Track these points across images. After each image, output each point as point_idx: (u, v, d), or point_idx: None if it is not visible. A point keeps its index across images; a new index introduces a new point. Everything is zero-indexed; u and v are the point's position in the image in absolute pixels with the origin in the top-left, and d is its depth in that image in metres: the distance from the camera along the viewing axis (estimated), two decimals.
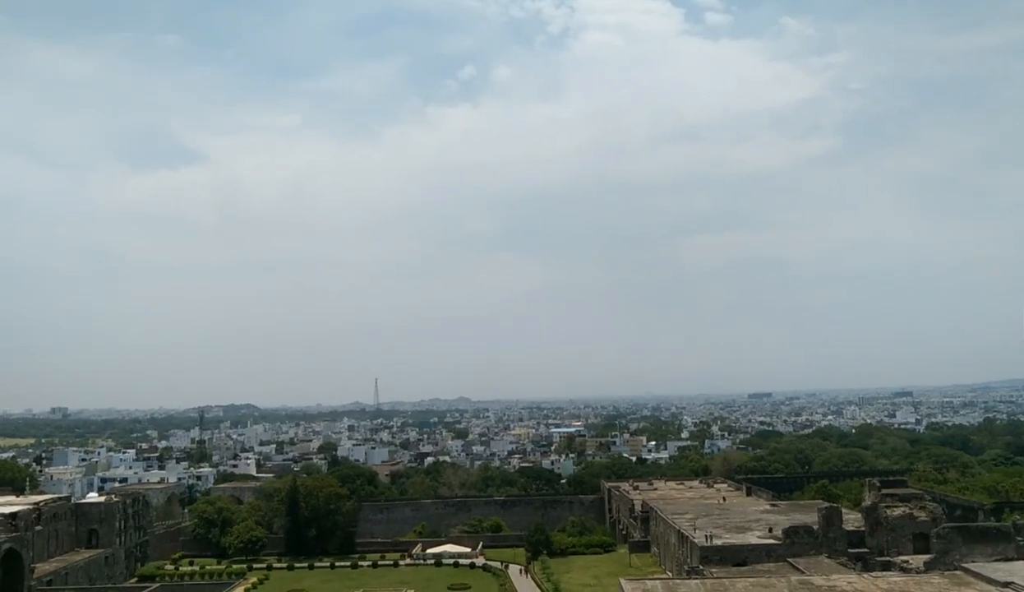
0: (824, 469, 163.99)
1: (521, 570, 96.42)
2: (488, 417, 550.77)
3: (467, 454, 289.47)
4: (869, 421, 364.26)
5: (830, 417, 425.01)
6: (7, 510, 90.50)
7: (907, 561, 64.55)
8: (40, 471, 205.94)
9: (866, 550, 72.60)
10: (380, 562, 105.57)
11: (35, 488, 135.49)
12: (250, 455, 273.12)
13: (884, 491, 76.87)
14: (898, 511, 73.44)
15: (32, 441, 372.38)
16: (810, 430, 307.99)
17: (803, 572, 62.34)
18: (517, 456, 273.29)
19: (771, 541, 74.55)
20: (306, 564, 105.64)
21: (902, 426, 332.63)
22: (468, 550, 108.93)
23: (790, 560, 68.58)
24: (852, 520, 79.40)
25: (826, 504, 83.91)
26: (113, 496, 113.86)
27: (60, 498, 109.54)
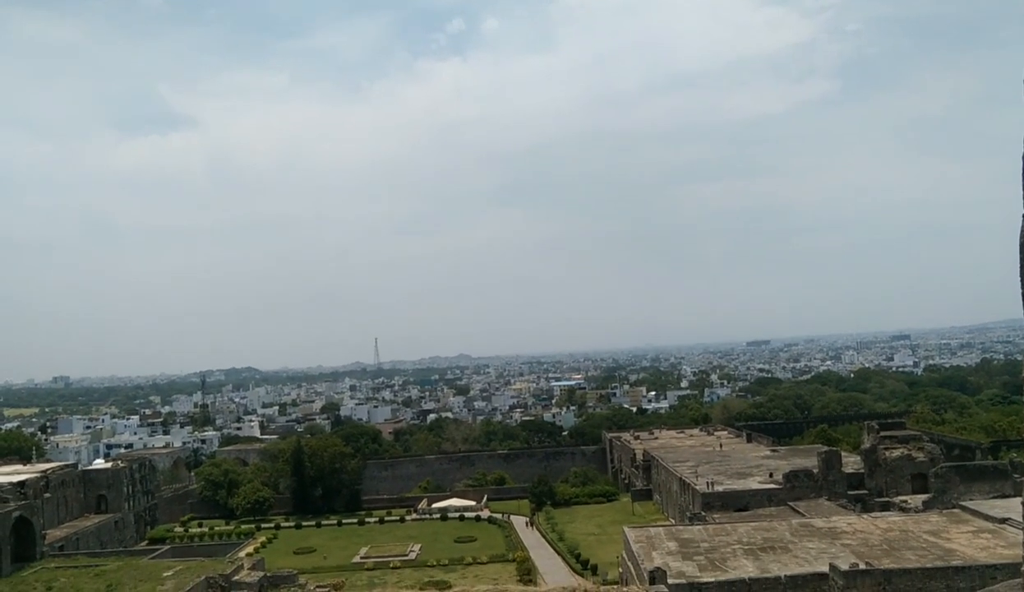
0: (823, 414, 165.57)
1: (527, 522, 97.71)
2: (489, 373, 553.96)
3: (469, 410, 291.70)
4: (867, 365, 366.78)
5: (828, 362, 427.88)
6: (16, 479, 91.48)
7: (905, 501, 65.59)
8: (46, 440, 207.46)
9: (865, 492, 73.72)
10: (386, 518, 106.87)
11: (42, 457, 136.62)
12: (253, 418, 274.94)
13: (883, 433, 77.82)
14: (896, 452, 74.39)
15: (36, 410, 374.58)
16: (809, 376, 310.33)
17: (803, 515, 63.34)
18: (518, 410, 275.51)
19: (772, 486, 75.56)
20: (313, 522, 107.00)
21: (900, 369, 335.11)
22: (473, 503, 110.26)
23: (790, 504, 69.61)
24: (851, 463, 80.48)
25: (825, 448, 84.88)
26: (120, 462, 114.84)
27: (67, 465, 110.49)
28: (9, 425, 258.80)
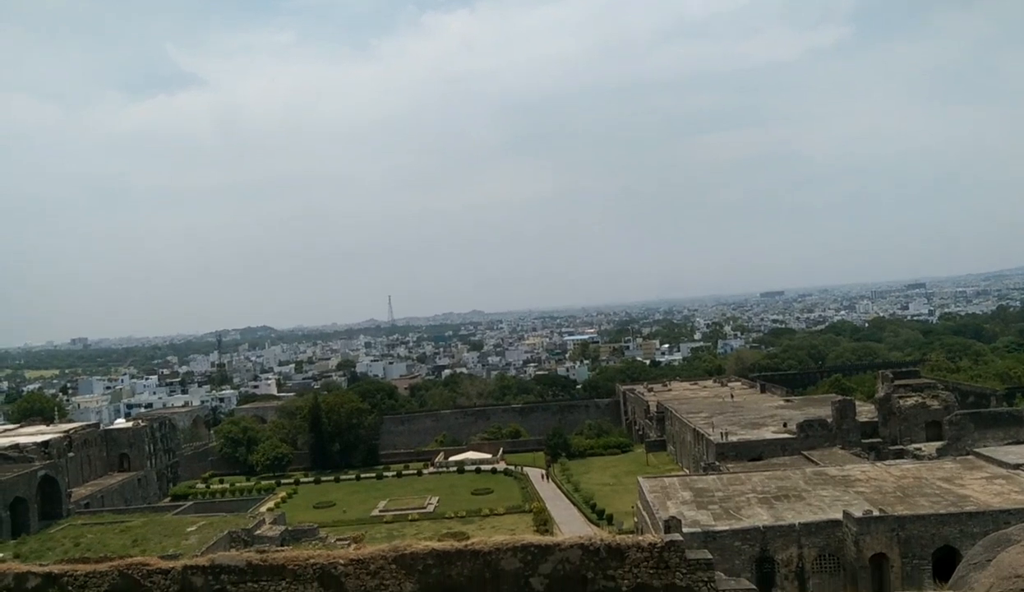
0: (837, 364, 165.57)
1: (542, 475, 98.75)
2: (502, 328, 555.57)
3: (483, 365, 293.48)
4: (882, 314, 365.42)
5: (843, 312, 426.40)
6: (39, 439, 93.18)
7: (920, 448, 65.89)
8: (67, 400, 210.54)
9: (879, 440, 74.07)
10: (404, 472, 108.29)
11: (64, 417, 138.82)
12: (270, 376, 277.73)
13: (897, 382, 77.85)
14: (911, 401, 74.49)
15: (56, 372, 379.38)
16: (823, 326, 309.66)
17: (817, 464, 63.79)
18: (532, 365, 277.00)
19: (785, 435, 76.00)
20: (332, 477, 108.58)
21: (915, 318, 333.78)
22: (489, 456, 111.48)
23: (804, 453, 70.08)
24: (865, 412, 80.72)
25: (839, 397, 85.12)
26: (140, 421, 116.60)
27: (89, 425, 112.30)
28: (31, 387, 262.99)
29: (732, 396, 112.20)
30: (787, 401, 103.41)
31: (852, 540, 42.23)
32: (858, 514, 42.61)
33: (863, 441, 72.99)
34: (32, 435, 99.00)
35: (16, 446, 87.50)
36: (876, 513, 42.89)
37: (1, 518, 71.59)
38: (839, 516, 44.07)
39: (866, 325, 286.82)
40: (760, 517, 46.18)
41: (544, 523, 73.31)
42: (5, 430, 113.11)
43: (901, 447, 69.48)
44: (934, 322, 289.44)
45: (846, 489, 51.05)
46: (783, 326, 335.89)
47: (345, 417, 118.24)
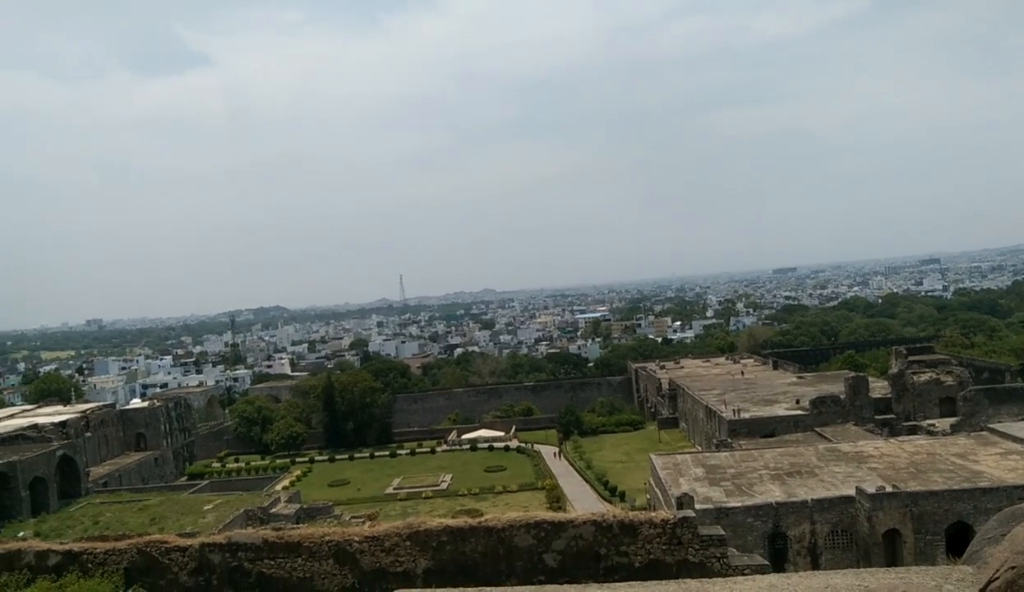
0: (850, 340, 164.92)
1: (555, 453, 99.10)
2: (514, 307, 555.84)
3: (495, 344, 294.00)
4: (895, 290, 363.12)
5: (856, 288, 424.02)
6: (57, 419, 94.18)
7: (933, 424, 65.74)
8: (83, 381, 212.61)
9: (893, 416, 73.88)
10: (418, 450, 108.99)
11: (80, 397, 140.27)
12: (283, 355, 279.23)
13: (911, 358, 77.52)
14: (925, 377, 74.20)
15: (72, 353, 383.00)
16: (835, 302, 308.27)
17: (830, 440, 63.78)
18: (544, 343, 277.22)
19: (798, 412, 75.95)
20: (346, 456, 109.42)
21: (929, 293, 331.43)
22: (501, 434, 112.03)
23: (817, 429, 70.05)
24: (879, 388, 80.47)
25: (852, 374, 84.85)
26: (156, 401, 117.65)
27: (106, 405, 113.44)
28: (48, 368, 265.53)
29: (743, 373, 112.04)
30: (800, 378, 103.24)
31: (865, 516, 42.28)
32: (871, 490, 42.63)
33: (876, 417, 72.84)
34: (50, 415, 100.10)
35: (35, 426, 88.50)
36: (889, 489, 42.90)
37: (22, 497, 72.54)
38: (852, 492, 44.09)
39: (879, 301, 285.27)
40: (773, 493, 46.26)
41: (557, 500, 73.74)
42: (24, 410, 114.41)
43: (915, 423, 69.35)
44: (948, 298, 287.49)
45: (859, 465, 51.03)
46: (796, 303, 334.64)
47: (359, 396, 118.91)
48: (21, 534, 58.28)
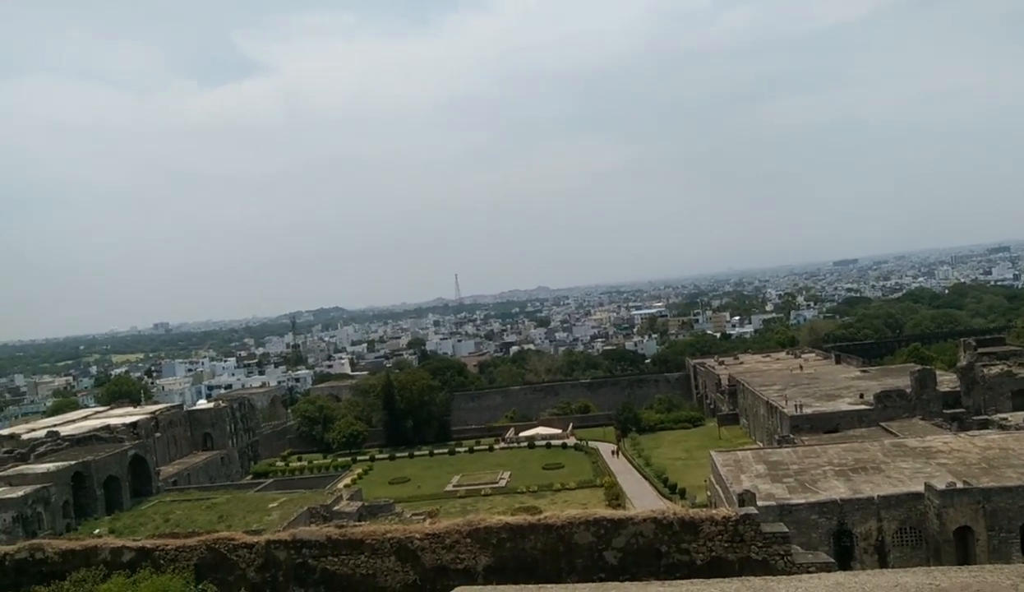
0: (916, 332, 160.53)
1: (612, 451, 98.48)
2: (568, 304, 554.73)
3: (550, 341, 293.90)
4: (963, 280, 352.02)
5: (921, 279, 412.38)
6: (128, 420, 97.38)
7: (1006, 418, 63.51)
8: (152, 383, 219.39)
9: (962, 410, 71.66)
10: (476, 447, 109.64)
11: (149, 399, 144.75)
12: (343, 355, 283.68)
13: (980, 350, 75.18)
14: (996, 369, 71.85)
15: (141, 356, 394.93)
16: (900, 294, 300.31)
17: (896, 435, 62.17)
18: (600, 340, 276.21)
19: (862, 407, 74.24)
20: (406, 453, 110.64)
21: (999, 283, 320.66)
22: (559, 432, 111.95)
23: (883, 424, 68.33)
24: (947, 382, 78.14)
25: (919, 367, 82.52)
26: (221, 402, 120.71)
27: (173, 407, 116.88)
28: (118, 371, 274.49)
29: (801, 368, 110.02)
30: (863, 372, 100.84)
31: (935, 513, 41.13)
32: (941, 486, 41.45)
33: (944, 411, 70.75)
34: (121, 416, 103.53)
35: (107, 427, 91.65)
36: (960, 485, 41.66)
37: (97, 495, 75.21)
38: (920, 488, 42.92)
39: (946, 292, 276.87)
40: (837, 490, 45.31)
41: (616, 497, 73.42)
42: (96, 412, 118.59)
43: (986, 417, 67.07)
44: (1019, 287, 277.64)
45: (927, 461, 49.65)
46: (858, 295, 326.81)
47: (417, 394, 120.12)
48: (97, 531, 60.50)
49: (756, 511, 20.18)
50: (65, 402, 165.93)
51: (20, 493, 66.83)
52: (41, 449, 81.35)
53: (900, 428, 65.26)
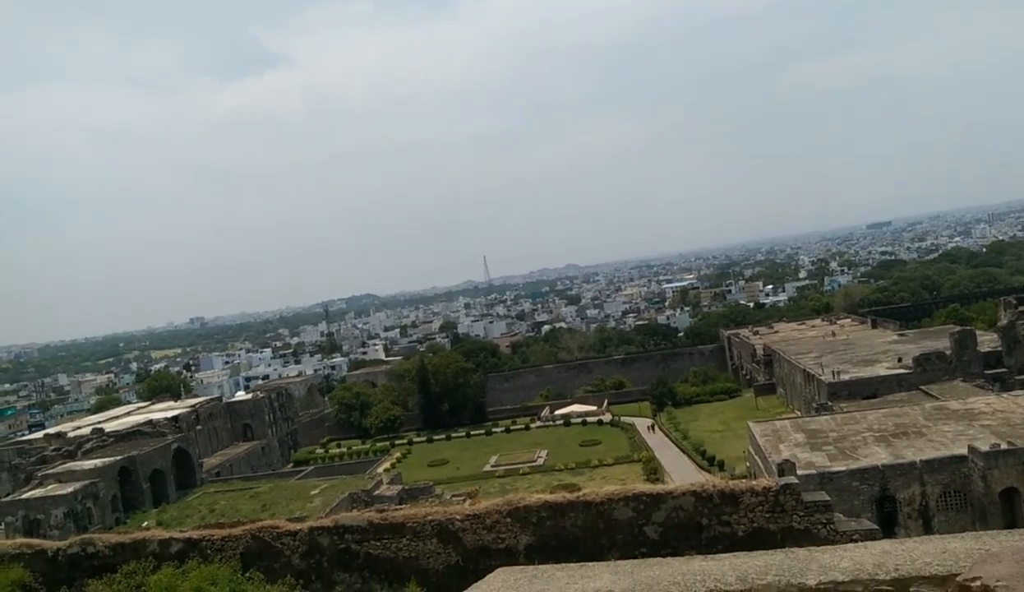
0: (954, 293, 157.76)
1: (648, 426, 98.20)
2: (598, 280, 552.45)
3: (582, 318, 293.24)
4: (1001, 238, 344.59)
5: (957, 238, 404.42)
6: (170, 414, 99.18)
7: None
8: (191, 377, 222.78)
9: (1004, 370, 70.43)
10: (512, 427, 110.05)
11: (189, 392, 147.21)
12: (377, 341, 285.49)
13: (1021, 308, 73.64)
14: None
15: (179, 351, 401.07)
16: (936, 254, 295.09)
17: (937, 398, 61.31)
18: (632, 315, 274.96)
19: (901, 370, 73.27)
20: (443, 436, 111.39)
21: None
22: (594, 408, 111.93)
23: (923, 388, 67.42)
24: (987, 341, 76.77)
25: (958, 328, 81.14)
26: (259, 392, 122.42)
27: (213, 399, 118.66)
28: (157, 366, 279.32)
29: (834, 334, 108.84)
30: (901, 335, 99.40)
31: (979, 475, 40.57)
32: (985, 448, 40.85)
33: (986, 372, 69.58)
34: (163, 411, 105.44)
35: (150, 422, 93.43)
36: (1004, 446, 41.01)
37: (143, 489, 76.81)
38: (964, 451, 42.34)
39: (984, 250, 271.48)
40: (878, 456, 44.86)
41: (654, 472, 73.33)
42: (139, 407, 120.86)
43: None
44: None
45: (970, 423, 48.93)
46: (893, 258, 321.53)
47: (452, 377, 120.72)
48: (145, 524, 61.75)
49: (796, 480, 20.04)
50: (108, 399, 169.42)
51: (70, 489, 68.46)
52: (88, 446, 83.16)
53: (940, 391, 64.33)
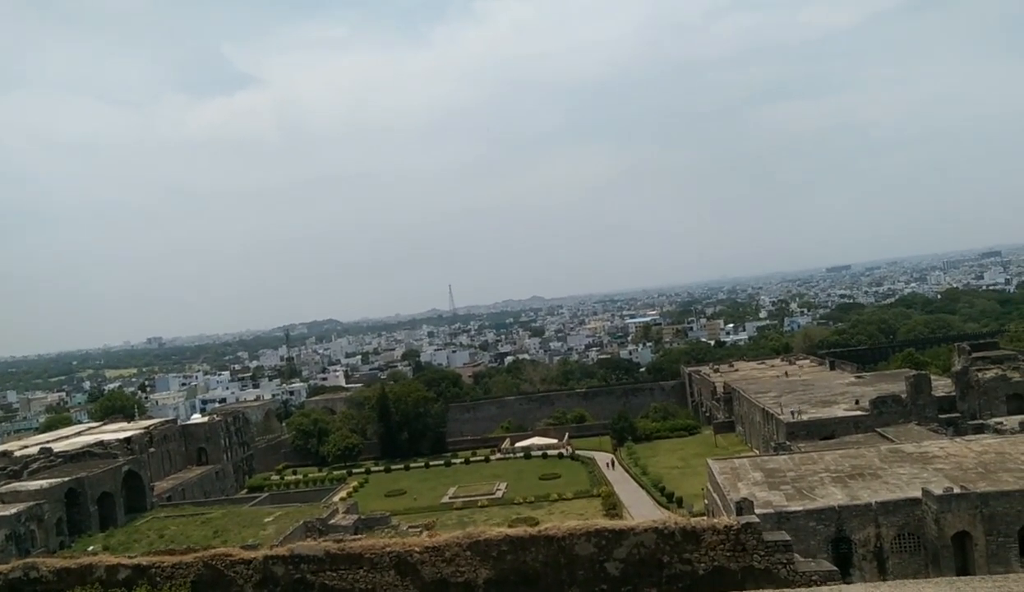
0: (909, 338, 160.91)
1: (609, 462, 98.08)
2: (563, 314, 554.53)
3: (545, 351, 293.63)
4: (955, 285, 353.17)
5: (913, 284, 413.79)
6: (122, 435, 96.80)
7: (1001, 423, 63.59)
8: (146, 398, 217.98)
9: (957, 415, 71.72)
10: (472, 459, 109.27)
11: (143, 414, 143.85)
12: (338, 368, 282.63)
13: (974, 354, 75.27)
14: (990, 373, 71.98)
15: (134, 371, 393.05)
16: (893, 299, 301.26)
17: (893, 440, 62.16)
18: (595, 349, 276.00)
19: (858, 412, 74.24)
20: (402, 466, 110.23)
21: (991, 287, 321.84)
22: (554, 441, 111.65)
23: (879, 430, 68.35)
24: (941, 386, 78.28)
25: (913, 372, 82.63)
26: (215, 416, 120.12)
27: (168, 421, 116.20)
28: (112, 385, 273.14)
29: (787, 374, 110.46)
30: (858, 377, 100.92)
31: (933, 518, 41.09)
32: (938, 491, 41.42)
33: (940, 416, 70.81)
34: (115, 432, 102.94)
35: (101, 443, 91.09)
36: (957, 490, 41.64)
37: (91, 512, 74.65)
38: (918, 494, 42.89)
39: (939, 297, 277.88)
40: (835, 497, 45.24)
41: (613, 507, 73.23)
42: (89, 428, 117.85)
43: (981, 421, 67.13)
44: (1012, 291, 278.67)
45: (924, 466, 49.63)
46: (851, 301, 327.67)
47: (412, 406, 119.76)
48: (91, 548, 59.96)
49: (758, 520, 20.11)
50: (58, 418, 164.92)
51: (13, 511, 66.28)
52: (34, 466, 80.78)
53: (896, 434, 65.28)
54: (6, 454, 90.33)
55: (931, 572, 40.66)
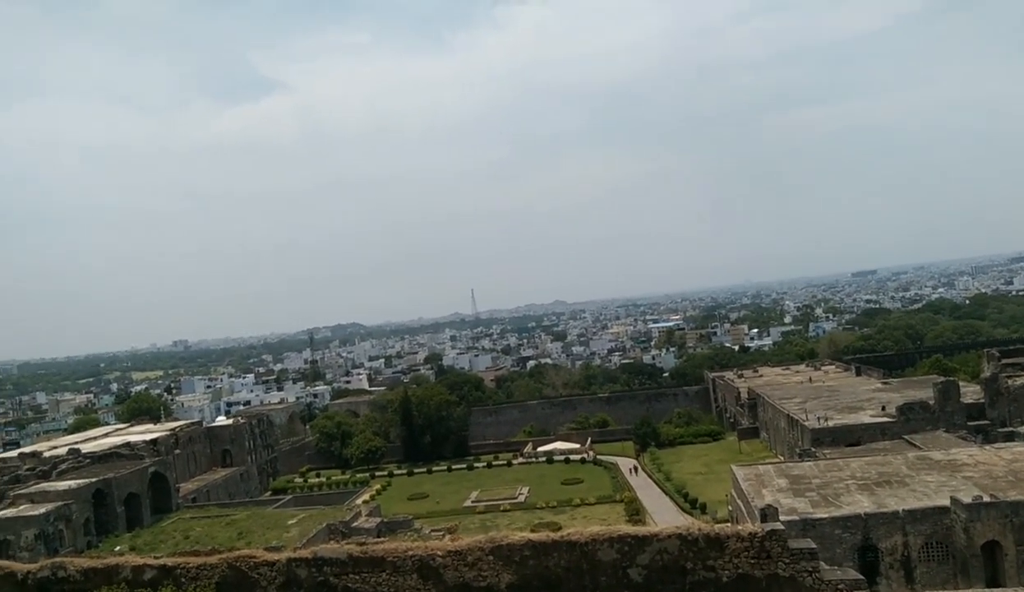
0: (937, 344, 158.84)
1: (632, 468, 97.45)
2: (585, 318, 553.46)
3: (567, 355, 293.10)
4: (984, 290, 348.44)
5: (941, 289, 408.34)
6: (148, 437, 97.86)
7: None
8: (172, 400, 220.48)
9: (987, 422, 70.70)
10: (494, 462, 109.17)
11: (169, 416, 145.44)
12: (361, 371, 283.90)
13: (1004, 361, 74.27)
14: (1021, 380, 70.89)
15: (160, 373, 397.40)
16: (920, 304, 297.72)
17: (920, 448, 61.35)
18: (617, 353, 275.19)
19: (885, 419, 73.36)
20: (424, 469, 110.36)
21: (1021, 292, 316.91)
22: (577, 446, 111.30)
23: (906, 437, 67.46)
24: (970, 393, 77.13)
25: (941, 378, 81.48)
26: (240, 418, 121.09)
27: (193, 423, 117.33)
28: (138, 388, 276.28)
29: (810, 380, 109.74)
30: (884, 384, 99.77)
31: (961, 527, 40.46)
32: (967, 500, 40.79)
33: (969, 424, 69.80)
34: (141, 433, 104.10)
35: (128, 444, 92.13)
36: (987, 499, 40.98)
37: (117, 513, 75.50)
38: (946, 502, 42.26)
39: (967, 302, 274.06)
40: (861, 504, 44.71)
41: (636, 513, 72.84)
42: (117, 429, 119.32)
43: (1011, 429, 66.15)
44: None
45: (952, 474, 48.93)
46: (877, 306, 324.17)
47: (435, 409, 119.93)
48: (118, 548, 60.63)
49: (783, 527, 19.92)
50: (86, 419, 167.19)
51: (42, 510, 67.21)
52: (63, 466, 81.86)
53: (924, 441, 64.40)
54: (35, 454, 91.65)
55: (960, 582, 40.04)
